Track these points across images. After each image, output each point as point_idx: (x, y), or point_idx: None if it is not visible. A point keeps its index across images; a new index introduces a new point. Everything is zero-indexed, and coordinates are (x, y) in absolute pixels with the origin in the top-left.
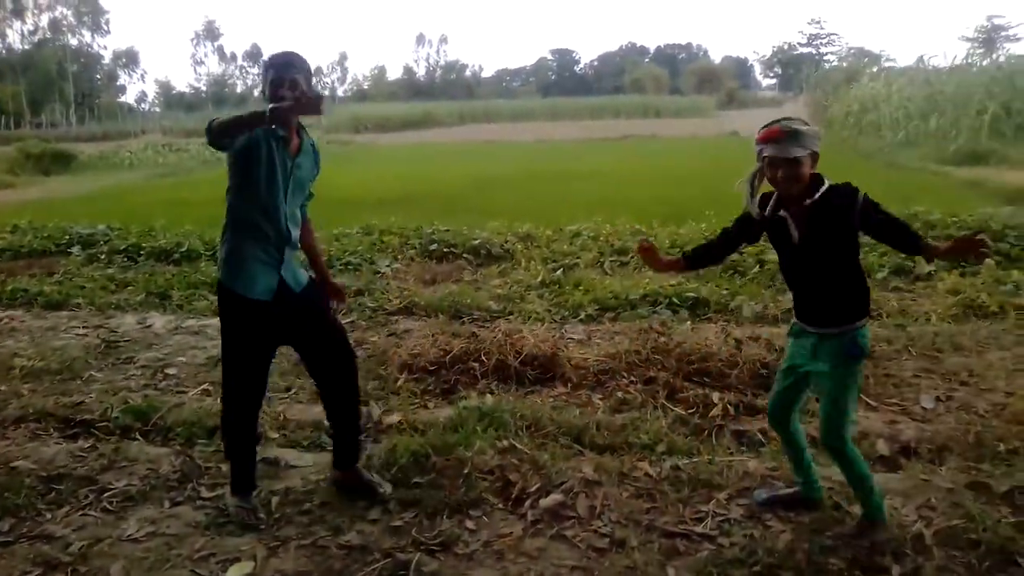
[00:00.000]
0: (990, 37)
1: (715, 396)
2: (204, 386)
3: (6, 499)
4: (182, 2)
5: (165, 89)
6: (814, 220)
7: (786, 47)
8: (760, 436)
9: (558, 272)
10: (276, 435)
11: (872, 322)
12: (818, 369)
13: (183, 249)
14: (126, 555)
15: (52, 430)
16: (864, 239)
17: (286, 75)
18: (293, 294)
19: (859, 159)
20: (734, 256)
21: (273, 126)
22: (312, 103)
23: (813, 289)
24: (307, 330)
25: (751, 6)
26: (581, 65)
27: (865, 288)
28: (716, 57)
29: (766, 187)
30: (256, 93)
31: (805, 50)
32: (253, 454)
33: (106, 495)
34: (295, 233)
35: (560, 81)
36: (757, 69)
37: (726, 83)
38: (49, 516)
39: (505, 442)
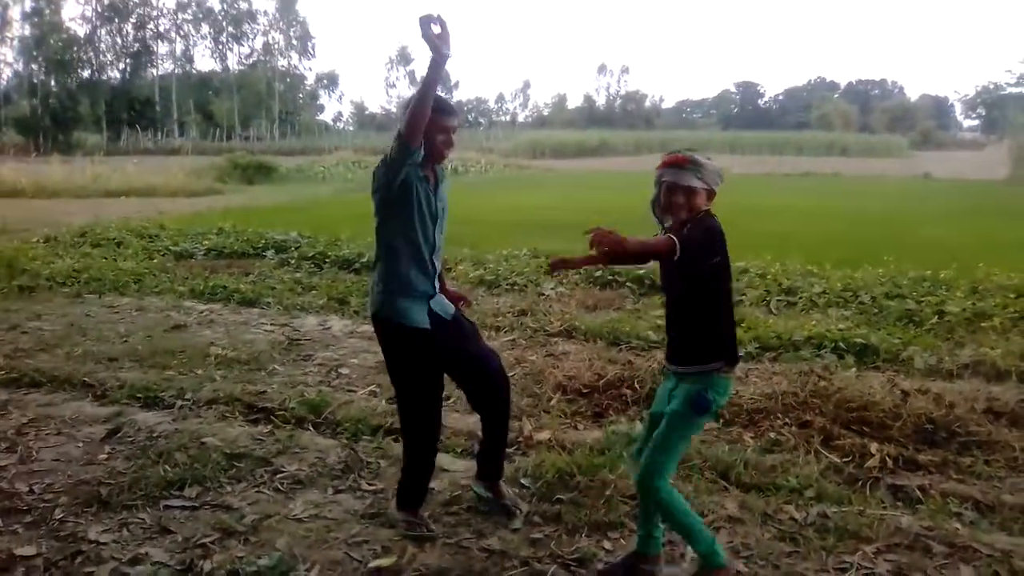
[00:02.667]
0: None
1: (873, 447)
2: (372, 387)
3: (196, 470)
4: (381, 29)
5: (359, 109)
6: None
7: (992, 87)
8: (919, 493)
9: None
10: None
11: None
12: (669, 410)
13: (363, 260)
14: (291, 532)
15: (238, 413)
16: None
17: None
18: (446, 322)
19: None
20: (911, 304)
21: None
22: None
23: (672, 320)
24: (464, 357)
25: (955, 42)
26: (765, 99)
27: (720, 333)
28: (913, 95)
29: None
30: None
31: (1015, 90)
32: (430, 475)
33: (279, 476)
34: (440, 265)
35: (742, 114)
36: (958, 109)
37: (921, 122)
38: (229, 489)
39: None
